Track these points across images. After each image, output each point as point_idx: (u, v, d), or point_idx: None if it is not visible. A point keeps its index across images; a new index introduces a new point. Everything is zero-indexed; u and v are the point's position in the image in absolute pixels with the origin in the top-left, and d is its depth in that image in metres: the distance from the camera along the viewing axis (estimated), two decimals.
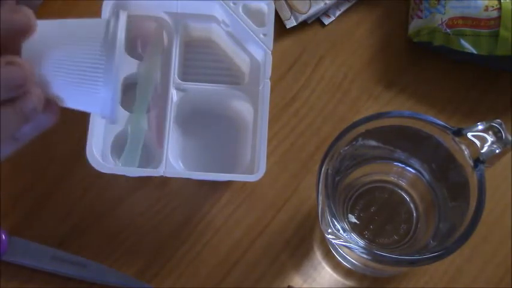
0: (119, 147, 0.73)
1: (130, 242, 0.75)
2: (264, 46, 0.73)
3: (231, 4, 0.73)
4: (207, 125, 0.77)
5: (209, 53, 0.78)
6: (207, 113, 0.76)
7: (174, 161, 0.72)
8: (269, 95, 0.72)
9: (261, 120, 0.71)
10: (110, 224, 0.75)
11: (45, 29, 0.54)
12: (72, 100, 0.54)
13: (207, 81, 0.75)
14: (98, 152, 0.70)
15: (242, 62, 0.77)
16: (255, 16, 0.74)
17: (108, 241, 0.75)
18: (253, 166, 0.71)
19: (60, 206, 0.76)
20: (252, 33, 0.73)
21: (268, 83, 0.72)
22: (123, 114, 0.74)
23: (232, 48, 0.77)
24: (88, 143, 0.69)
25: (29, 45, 0.53)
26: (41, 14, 0.81)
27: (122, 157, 0.73)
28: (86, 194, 0.76)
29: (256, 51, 0.74)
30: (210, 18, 0.75)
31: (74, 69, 0.53)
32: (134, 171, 0.72)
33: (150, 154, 0.73)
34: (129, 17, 0.76)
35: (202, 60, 0.78)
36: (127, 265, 0.74)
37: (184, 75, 0.76)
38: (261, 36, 0.73)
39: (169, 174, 0.70)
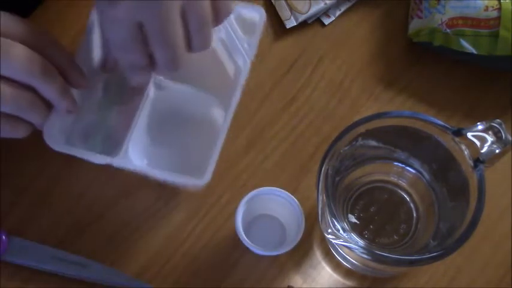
0: (88, 134, 0.73)
1: (130, 242, 0.75)
2: (245, 55, 0.72)
3: None
4: (180, 127, 0.76)
5: (201, 55, 0.77)
6: (182, 115, 0.76)
7: (138, 157, 0.72)
8: (236, 104, 0.70)
9: (222, 127, 0.70)
10: (110, 224, 0.75)
11: None
12: None
13: (192, 82, 0.74)
14: (61, 132, 0.70)
15: (230, 69, 0.76)
16: (248, 25, 0.73)
17: (108, 241, 0.75)
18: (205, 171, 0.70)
19: (60, 206, 0.76)
20: (237, 41, 0.73)
21: (239, 93, 0.71)
22: (97, 102, 0.73)
23: (223, 54, 0.76)
24: (50, 119, 0.68)
25: None
26: (41, 14, 0.82)
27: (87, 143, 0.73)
28: (85, 194, 0.76)
29: (240, 59, 0.73)
30: None
31: None
32: (83, 154, 0.69)
33: (116, 144, 0.72)
34: None
35: (193, 60, 0.77)
36: (127, 265, 0.74)
37: (173, 74, 0.75)
38: (245, 45, 0.73)
39: (116, 163, 0.69)
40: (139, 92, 0.73)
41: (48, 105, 0.66)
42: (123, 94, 0.74)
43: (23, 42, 0.62)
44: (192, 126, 0.76)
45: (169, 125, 0.76)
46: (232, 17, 0.73)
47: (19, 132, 0.66)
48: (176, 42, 0.61)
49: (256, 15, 0.73)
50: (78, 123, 0.73)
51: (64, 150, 0.69)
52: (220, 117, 0.74)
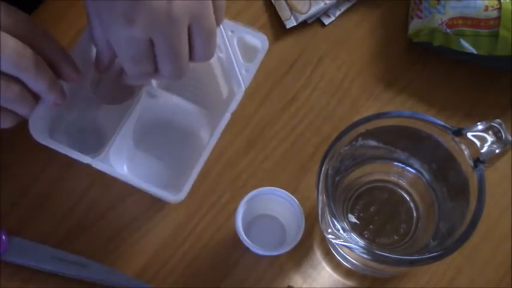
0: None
1: (130, 242, 0.75)
2: (241, 81, 0.72)
3: (229, 32, 0.73)
4: (165, 137, 0.76)
5: (200, 71, 0.76)
6: (168, 126, 0.76)
7: (119, 162, 0.72)
8: (223, 128, 0.70)
9: (205, 149, 0.70)
10: (110, 224, 0.75)
11: None
12: None
13: (185, 95, 0.74)
14: (47, 124, 0.70)
15: (224, 90, 0.76)
16: (249, 51, 0.73)
17: (108, 241, 0.75)
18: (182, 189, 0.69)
19: (60, 206, 0.76)
20: (235, 65, 0.72)
21: (228, 117, 0.70)
22: (88, 99, 0.73)
23: (220, 75, 0.76)
24: (37, 111, 0.68)
25: None
26: (41, 14, 0.82)
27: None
28: (85, 194, 0.76)
29: (235, 84, 0.73)
30: None
31: None
32: (66, 150, 0.69)
33: (101, 144, 0.72)
34: None
35: (192, 74, 0.76)
36: (127, 265, 0.74)
37: (167, 83, 0.75)
38: (243, 71, 0.72)
39: (95, 165, 0.69)
40: (131, 94, 0.73)
41: (36, 97, 0.66)
42: (115, 94, 0.74)
43: (14, 33, 0.62)
44: (177, 138, 0.76)
45: (154, 134, 0.76)
46: (235, 40, 0.72)
47: (5, 123, 0.66)
48: (182, 58, 0.63)
49: (259, 42, 0.73)
50: (66, 117, 0.73)
51: (47, 144, 0.69)
52: (206, 135, 0.74)
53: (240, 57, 0.72)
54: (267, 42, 0.72)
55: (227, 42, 0.72)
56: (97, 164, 0.69)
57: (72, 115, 0.74)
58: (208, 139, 0.71)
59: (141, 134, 0.75)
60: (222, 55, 0.74)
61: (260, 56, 0.72)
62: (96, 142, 0.73)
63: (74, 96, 0.71)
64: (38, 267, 0.73)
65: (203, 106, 0.74)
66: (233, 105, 0.71)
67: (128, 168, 0.74)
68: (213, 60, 0.76)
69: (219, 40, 0.73)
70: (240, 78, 0.72)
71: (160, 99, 0.74)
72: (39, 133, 0.68)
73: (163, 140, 0.76)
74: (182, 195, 0.68)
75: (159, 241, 0.75)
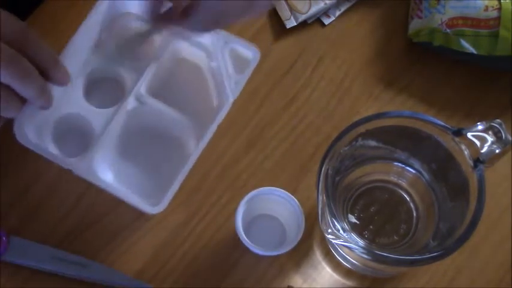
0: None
1: (130, 242, 0.75)
2: (230, 93, 0.72)
3: (222, 43, 0.72)
4: (151, 146, 0.75)
5: (193, 78, 0.76)
6: (155, 134, 0.75)
7: (104, 170, 0.71)
8: (208, 140, 0.70)
9: (188, 161, 0.69)
10: (110, 224, 0.75)
11: None
12: None
13: (174, 103, 0.73)
14: (34, 126, 0.70)
15: (214, 99, 0.75)
16: (241, 62, 0.72)
17: (108, 241, 0.75)
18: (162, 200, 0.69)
19: (60, 206, 0.76)
20: (225, 77, 0.72)
21: (214, 129, 0.70)
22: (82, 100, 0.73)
23: (212, 84, 0.75)
24: (23, 113, 0.67)
25: None
26: (41, 14, 0.82)
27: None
28: (85, 194, 0.76)
29: (225, 95, 0.72)
30: (203, 46, 0.73)
31: None
32: (48, 154, 0.69)
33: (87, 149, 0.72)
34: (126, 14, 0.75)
35: (184, 81, 0.76)
36: (127, 265, 0.74)
37: (157, 89, 0.74)
38: (232, 84, 0.72)
39: (75, 170, 0.69)
40: (123, 92, 0.73)
41: (24, 100, 0.66)
42: (111, 95, 0.74)
43: (7, 40, 0.62)
44: (163, 147, 0.75)
45: (141, 141, 0.75)
46: (227, 52, 0.72)
47: None
48: None
49: (251, 54, 0.72)
50: (55, 119, 0.72)
51: (30, 146, 0.69)
52: (193, 145, 0.73)
53: (231, 69, 0.72)
54: (259, 54, 0.72)
55: (219, 52, 0.72)
56: (79, 171, 0.69)
57: (59, 117, 0.73)
58: (194, 150, 0.70)
59: (128, 141, 0.74)
60: (214, 64, 0.73)
61: (251, 68, 0.72)
62: (83, 146, 0.72)
63: (63, 98, 0.71)
64: (38, 267, 0.73)
65: (191, 115, 0.74)
66: (220, 117, 0.71)
67: (113, 176, 0.74)
68: (205, 70, 0.75)
69: (211, 49, 0.73)
70: (228, 90, 0.72)
71: (148, 107, 0.73)
72: (23, 136, 0.68)
73: (150, 148, 0.75)
74: (161, 206, 0.68)
75: (159, 241, 0.75)
